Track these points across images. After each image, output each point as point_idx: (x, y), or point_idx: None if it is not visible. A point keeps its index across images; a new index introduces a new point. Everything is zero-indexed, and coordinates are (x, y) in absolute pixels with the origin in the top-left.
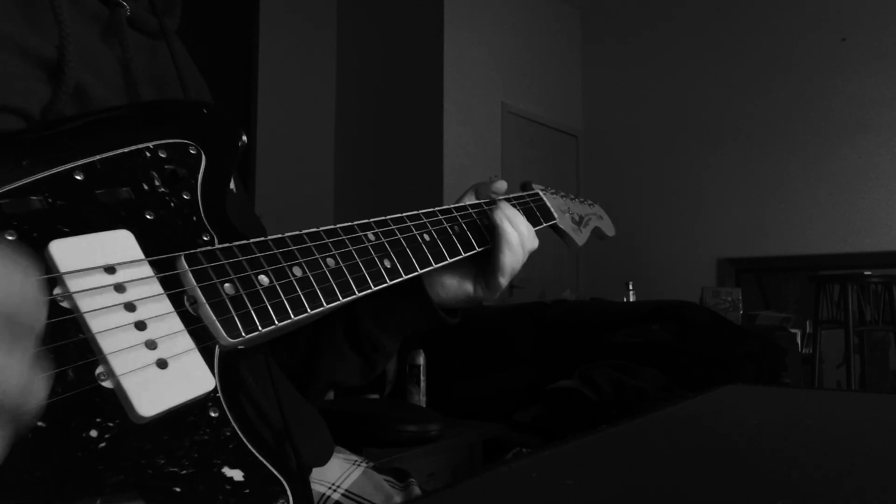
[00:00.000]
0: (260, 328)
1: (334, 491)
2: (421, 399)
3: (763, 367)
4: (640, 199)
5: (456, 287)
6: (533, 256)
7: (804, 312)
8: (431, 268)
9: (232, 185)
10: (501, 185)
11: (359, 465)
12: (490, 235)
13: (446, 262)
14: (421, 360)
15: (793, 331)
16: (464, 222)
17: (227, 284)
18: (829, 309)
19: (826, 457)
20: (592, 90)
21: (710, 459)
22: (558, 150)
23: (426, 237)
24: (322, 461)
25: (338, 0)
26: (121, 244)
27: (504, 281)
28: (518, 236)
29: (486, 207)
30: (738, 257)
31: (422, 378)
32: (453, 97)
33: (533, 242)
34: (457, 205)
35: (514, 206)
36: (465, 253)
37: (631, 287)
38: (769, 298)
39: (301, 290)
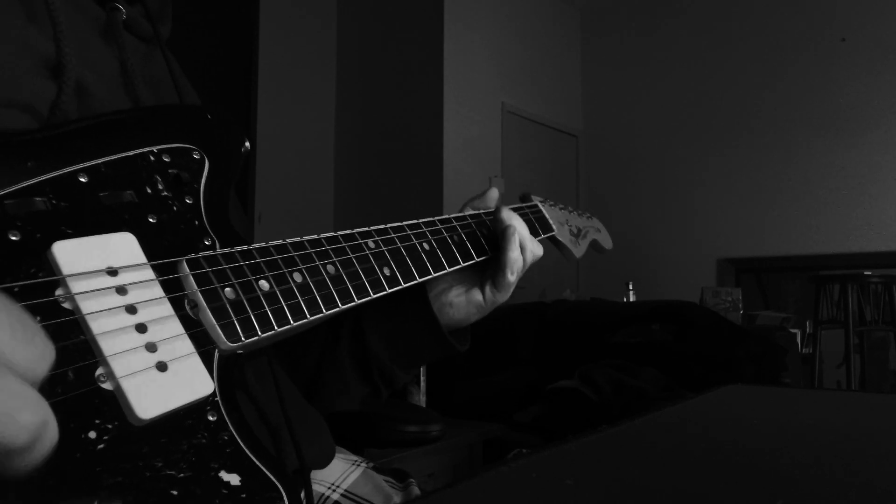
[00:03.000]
0: (260, 333)
1: (333, 491)
2: (421, 399)
3: (763, 367)
4: (641, 199)
5: (465, 303)
6: None
7: (804, 312)
8: (430, 276)
9: None
10: (493, 193)
11: (358, 466)
12: (490, 245)
13: (445, 272)
14: None
15: (793, 331)
16: (463, 233)
17: (227, 289)
18: (829, 309)
19: (826, 457)
20: (592, 90)
21: (710, 459)
22: (558, 150)
23: (426, 246)
24: (322, 464)
25: (338, 0)
26: (123, 247)
27: (513, 278)
28: (523, 234)
29: (485, 218)
30: (738, 257)
31: (422, 378)
32: (453, 97)
33: (536, 250)
34: (457, 215)
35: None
36: (463, 263)
37: (631, 287)
38: (769, 298)
39: (301, 296)
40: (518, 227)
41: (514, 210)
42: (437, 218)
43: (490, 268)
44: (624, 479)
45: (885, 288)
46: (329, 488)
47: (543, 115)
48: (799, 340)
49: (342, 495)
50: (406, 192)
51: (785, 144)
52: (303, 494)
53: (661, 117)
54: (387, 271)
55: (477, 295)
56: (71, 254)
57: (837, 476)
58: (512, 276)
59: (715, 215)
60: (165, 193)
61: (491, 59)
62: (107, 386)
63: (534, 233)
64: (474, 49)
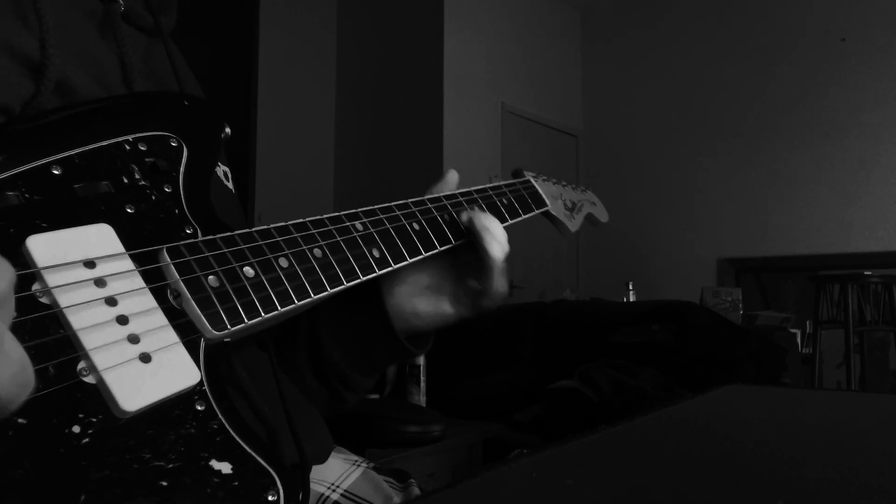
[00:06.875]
0: (246, 320)
1: (333, 491)
2: (421, 399)
3: (763, 367)
4: (640, 199)
5: (433, 314)
6: (533, 256)
7: (804, 312)
8: (421, 257)
9: (230, 185)
10: (453, 176)
11: (358, 466)
12: (470, 231)
13: (436, 251)
14: (421, 360)
15: (793, 331)
16: (454, 211)
17: (210, 277)
18: (829, 309)
19: (826, 457)
20: (592, 90)
21: (710, 459)
22: (558, 150)
23: (415, 226)
24: (320, 460)
25: (338, 0)
26: (100, 238)
27: (501, 280)
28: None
29: (461, 199)
30: (738, 257)
31: (422, 378)
32: (453, 97)
33: (505, 246)
34: (448, 193)
35: (504, 193)
36: (455, 242)
37: (631, 287)
38: (769, 298)
39: (288, 282)
40: (491, 230)
41: (506, 186)
42: (426, 197)
43: (470, 273)
44: (624, 479)
45: (885, 288)
46: (329, 488)
47: (543, 115)
48: (799, 340)
49: (342, 495)
50: (406, 192)
51: (785, 144)
52: (300, 496)
53: (661, 117)
54: (376, 252)
55: (446, 307)
56: (46, 247)
57: (837, 476)
58: (499, 278)
59: (715, 215)
60: (143, 183)
61: (491, 59)
62: (89, 379)
63: (526, 209)
64: (474, 49)
